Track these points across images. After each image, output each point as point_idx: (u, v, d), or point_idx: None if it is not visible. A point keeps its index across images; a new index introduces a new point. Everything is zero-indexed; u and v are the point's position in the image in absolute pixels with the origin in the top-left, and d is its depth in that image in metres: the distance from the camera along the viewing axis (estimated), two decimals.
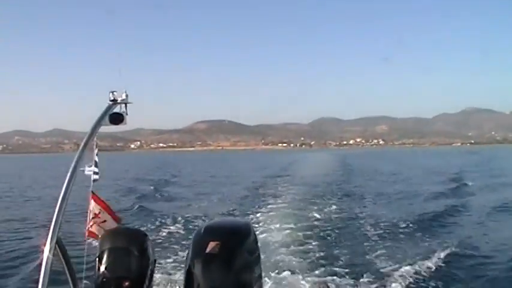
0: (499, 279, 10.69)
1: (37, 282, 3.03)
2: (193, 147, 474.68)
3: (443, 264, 11.28)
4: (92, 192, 4.46)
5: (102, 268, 3.82)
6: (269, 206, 21.40)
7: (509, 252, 12.88)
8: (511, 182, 34.44)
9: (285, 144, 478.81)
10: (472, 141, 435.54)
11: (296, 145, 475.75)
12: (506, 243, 14.17)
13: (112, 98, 3.94)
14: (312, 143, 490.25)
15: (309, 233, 15.33)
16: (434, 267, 10.93)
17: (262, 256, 3.98)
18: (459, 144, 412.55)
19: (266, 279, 8.98)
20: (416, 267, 10.85)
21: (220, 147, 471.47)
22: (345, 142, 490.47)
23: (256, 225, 15.62)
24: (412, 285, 9.64)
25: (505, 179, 36.71)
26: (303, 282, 9.55)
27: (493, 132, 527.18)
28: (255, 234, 3.97)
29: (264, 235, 14.22)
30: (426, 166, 60.68)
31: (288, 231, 15.32)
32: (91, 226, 4.45)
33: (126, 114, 4.00)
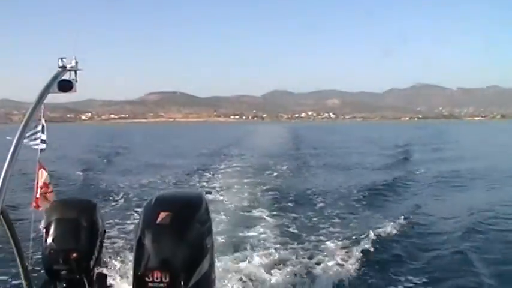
0: (442, 247, 10.97)
1: None
2: (146, 118, 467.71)
3: (390, 235, 11.48)
4: (39, 162, 4.34)
5: (49, 240, 3.74)
6: (221, 178, 21.38)
7: (450, 222, 13.37)
8: (453, 155, 35.51)
9: (237, 117, 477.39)
10: (420, 116, 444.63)
11: (248, 117, 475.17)
12: (448, 212, 14.69)
13: (61, 65, 3.81)
14: (264, 115, 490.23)
15: (260, 203, 15.37)
16: (382, 238, 11.09)
17: (214, 227, 3.98)
18: (408, 118, 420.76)
19: (218, 249, 8.95)
20: (366, 238, 10.94)
21: (173, 119, 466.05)
22: (296, 115, 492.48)
23: (209, 196, 15.50)
24: (362, 257, 9.75)
25: (448, 153, 37.82)
26: (254, 253, 9.58)
27: (440, 108, 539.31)
28: (206, 204, 3.97)
29: (216, 206, 14.10)
30: (374, 139, 61.66)
31: (240, 202, 15.33)
32: (37, 197, 4.34)
33: (76, 81, 3.88)
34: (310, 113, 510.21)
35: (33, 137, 4.08)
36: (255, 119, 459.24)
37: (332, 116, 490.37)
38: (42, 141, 4.27)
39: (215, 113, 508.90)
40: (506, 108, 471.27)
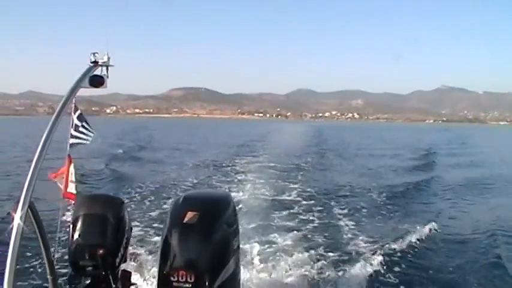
0: (468, 255, 10.79)
1: (7, 249, 2.93)
2: (170, 114, 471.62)
3: (414, 241, 11.27)
4: (69, 154, 4.35)
5: (76, 235, 3.72)
6: (247, 177, 21.35)
7: (476, 229, 13.12)
8: (479, 160, 35.08)
9: (261, 114, 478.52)
10: (445, 119, 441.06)
11: (272, 115, 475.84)
12: (474, 219, 14.48)
13: (93, 60, 3.77)
14: (288, 114, 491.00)
15: (287, 205, 15.34)
16: (406, 244, 10.91)
17: (240, 229, 3.94)
18: (432, 121, 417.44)
19: (244, 251, 8.92)
20: (390, 243, 10.81)
21: (196, 115, 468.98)
22: (320, 114, 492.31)
23: (236, 197, 15.47)
24: (387, 262, 9.64)
25: (474, 158, 37.36)
26: (278, 255, 9.55)
27: (465, 111, 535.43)
28: (234, 206, 3.92)
29: (243, 207, 14.05)
30: (399, 141, 61.24)
31: (264, 203, 15.29)
32: (68, 188, 4.35)
33: (107, 77, 3.85)
34: (334, 112, 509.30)
35: (81, 131, 4.11)
36: (279, 117, 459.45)
37: (356, 116, 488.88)
38: (72, 136, 4.30)
39: (239, 110, 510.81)
40: None
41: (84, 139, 4.51)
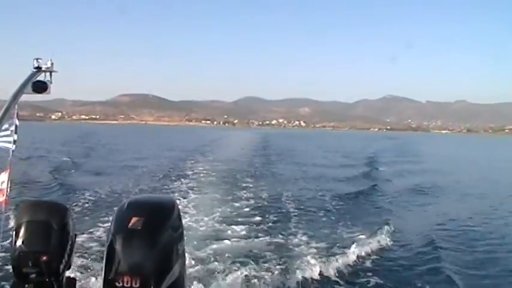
0: (412, 260, 11.13)
1: None
2: (116, 120, 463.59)
3: (361, 248, 11.41)
4: (10, 161, 4.27)
5: (19, 242, 3.68)
6: (192, 183, 21.27)
7: (419, 234, 13.63)
8: (422, 167, 36.10)
9: (208, 122, 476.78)
10: (389, 127, 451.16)
11: (219, 123, 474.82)
12: (417, 223, 15.13)
13: (36, 65, 3.76)
14: (235, 121, 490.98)
15: (232, 210, 15.45)
16: (354, 252, 11.04)
17: (185, 233, 3.98)
18: (377, 129, 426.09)
19: (189, 255, 8.91)
20: (337, 251, 11.02)
21: (144, 122, 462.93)
22: (267, 122, 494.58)
23: (180, 202, 15.42)
24: (336, 270, 9.80)
25: (415, 165, 38.42)
26: (225, 260, 9.59)
27: (409, 120, 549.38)
28: (179, 211, 3.96)
29: (188, 212, 14.11)
30: (344, 149, 62.14)
31: (211, 208, 15.26)
32: (5, 195, 4.27)
33: (51, 82, 3.84)
34: (281, 120, 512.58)
35: (7, 138, 4.02)
36: (226, 124, 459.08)
37: (302, 124, 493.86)
38: (14, 142, 4.23)
39: (186, 117, 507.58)
40: (473, 122, 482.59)
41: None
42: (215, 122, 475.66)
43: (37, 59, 3.80)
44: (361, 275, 9.85)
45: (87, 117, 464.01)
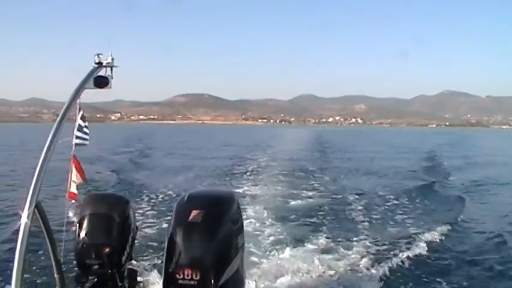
0: (480, 259, 10.65)
1: (15, 248, 2.96)
2: (174, 120, 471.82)
3: (426, 244, 11.14)
4: (74, 155, 4.38)
5: (82, 234, 3.77)
6: (252, 178, 21.45)
7: (486, 230, 13.07)
8: (485, 161, 34.98)
9: (264, 120, 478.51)
10: (447, 123, 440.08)
11: (276, 121, 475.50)
12: (483, 220, 14.40)
13: (97, 61, 3.82)
14: (292, 119, 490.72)
15: (292, 205, 15.37)
16: (417, 248, 10.78)
17: (245, 226, 3.97)
18: (434, 125, 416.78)
19: (248, 249, 8.90)
20: (401, 247, 10.66)
21: (201, 121, 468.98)
22: (323, 120, 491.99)
23: (241, 195, 15.52)
24: (398, 267, 9.55)
25: (479, 159, 37.26)
26: (285, 254, 9.55)
27: (468, 115, 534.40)
28: (238, 204, 3.95)
29: (248, 206, 14.07)
30: (403, 145, 61.04)
31: (271, 202, 15.29)
32: (72, 190, 4.38)
33: (112, 77, 3.89)
34: (337, 117, 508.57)
35: (84, 132, 4.16)
36: (283, 122, 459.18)
37: (359, 121, 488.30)
38: (78, 137, 4.32)
39: (243, 116, 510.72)
40: None
41: (87, 139, 4.54)
42: (271, 121, 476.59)
43: (98, 55, 3.85)
44: (421, 273, 9.59)
45: (145, 118, 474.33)
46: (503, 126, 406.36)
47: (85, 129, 4.51)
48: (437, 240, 11.48)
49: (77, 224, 3.71)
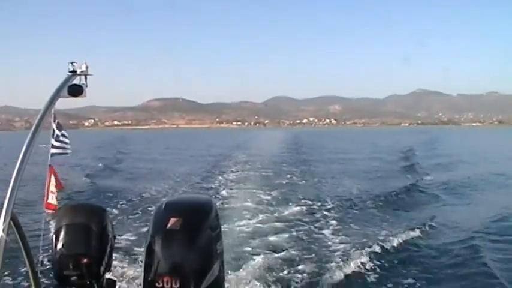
0: (456, 255, 10.89)
1: None
2: (148, 125, 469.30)
3: (404, 243, 11.43)
4: (50, 165, 4.32)
5: (59, 245, 3.71)
6: (229, 183, 21.47)
7: (466, 230, 13.30)
8: (458, 160, 35.51)
9: (239, 123, 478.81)
10: (420, 122, 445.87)
11: (250, 123, 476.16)
12: (462, 221, 14.65)
13: (71, 69, 3.79)
14: (266, 121, 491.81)
15: (269, 207, 15.62)
16: (395, 247, 11.04)
17: (223, 233, 3.97)
18: (407, 124, 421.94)
19: (227, 255, 8.92)
20: (377, 247, 10.91)
21: (175, 126, 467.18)
22: (298, 121, 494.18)
23: (218, 201, 15.59)
24: (374, 266, 9.70)
25: (453, 158, 37.82)
26: (263, 258, 9.59)
27: (440, 114, 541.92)
28: (216, 210, 3.93)
29: (225, 212, 14.18)
30: (378, 145, 61.66)
31: (248, 207, 15.41)
32: (49, 199, 4.32)
33: (86, 86, 3.86)
34: (311, 119, 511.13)
35: (61, 141, 4.10)
36: (257, 125, 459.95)
37: (333, 121, 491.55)
38: (53, 146, 4.28)
39: (217, 119, 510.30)
40: (504, 114, 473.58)
41: (65, 149, 4.49)
42: (246, 123, 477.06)
43: (72, 63, 3.81)
44: (398, 271, 9.73)
45: (119, 123, 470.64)
46: (474, 124, 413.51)
47: (62, 138, 4.47)
48: (410, 240, 11.81)
49: (54, 235, 3.65)
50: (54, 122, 4.28)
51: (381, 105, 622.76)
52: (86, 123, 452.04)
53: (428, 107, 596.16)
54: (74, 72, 3.82)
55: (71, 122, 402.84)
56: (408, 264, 10.19)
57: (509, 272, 9.73)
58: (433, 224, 13.68)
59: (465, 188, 21.79)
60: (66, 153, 4.46)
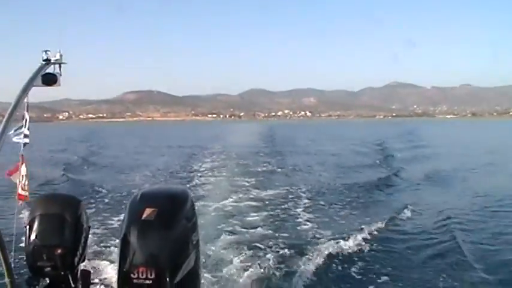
0: (427, 247, 11.05)
1: None
2: (123, 118, 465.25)
3: (381, 235, 11.56)
4: (22, 155, 4.26)
5: (33, 236, 3.67)
6: (204, 173, 21.48)
7: (433, 220, 13.53)
8: (432, 152, 35.93)
9: (214, 116, 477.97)
10: (394, 114, 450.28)
11: (226, 116, 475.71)
12: (430, 210, 14.99)
13: (45, 58, 3.73)
14: (241, 114, 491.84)
15: (244, 199, 15.66)
16: (371, 239, 11.15)
17: (199, 223, 3.97)
18: (382, 116, 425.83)
19: (203, 245, 8.94)
20: (353, 239, 10.97)
21: (151, 118, 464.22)
22: (273, 114, 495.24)
23: (193, 191, 15.55)
24: (347, 258, 9.81)
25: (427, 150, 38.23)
26: (238, 249, 9.63)
27: (414, 106, 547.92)
28: (192, 200, 3.93)
29: (201, 202, 14.16)
30: (352, 137, 62.06)
31: (224, 198, 15.43)
32: (21, 189, 4.26)
33: (60, 75, 3.80)
34: (286, 111, 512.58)
35: (18, 131, 4.02)
36: (232, 117, 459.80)
37: (308, 114, 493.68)
38: (25, 136, 4.23)
39: (193, 112, 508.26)
40: (478, 106, 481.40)
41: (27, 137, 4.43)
42: (221, 116, 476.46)
43: (46, 51, 3.75)
44: (372, 261, 9.86)
45: (94, 116, 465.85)
46: (448, 116, 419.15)
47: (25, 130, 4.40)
48: (382, 230, 11.94)
49: (27, 226, 3.61)
50: (27, 111, 4.23)
51: (356, 98, 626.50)
52: (61, 116, 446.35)
53: (403, 99, 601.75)
54: (48, 60, 3.76)
55: (45, 115, 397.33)
56: (379, 254, 10.34)
57: (485, 260, 9.90)
58: (406, 214, 13.87)
59: (441, 178, 22.04)
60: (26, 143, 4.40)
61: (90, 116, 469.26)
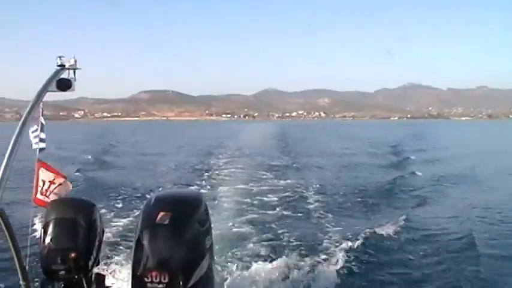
0: (446, 250, 10.89)
1: None
2: (138, 117, 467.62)
3: (394, 236, 11.45)
4: (39, 159, 4.28)
5: (48, 239, 3.69)
6: (218, 176, 21.44)
7: (446, 223, 13.37)
8: (448, 155, 35.57)
9: (228, 116, 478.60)
10: (409, 116, 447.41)
11: (240, 116, 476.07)
12: (444, 213, 14.78)
13: (59, 63, 3.74)
14: (255, 114, 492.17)
15: (260, 203, 15.49)
16: (384, 240, 11.08)
17: (213, 227, 3.96)
18: (397, 118, 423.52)
19: (217, 250, 8.92)
20: (366, 240, 10.91)
21: (165, 118, 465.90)
22: (287, 114, 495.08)
23: (207, 195, 15.55)
24: (359, 259, 9.75)
25: (443, 152, 37.87)
26: (252, 253, 9.61)
27: (430, 108, 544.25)
28: (206, 205, 3.93)
29: (216, 206, 14.10)
30: (365, 138, 61.71)
31: (237, 201, 15.34)
32: (38, 194, 4.29)
33: (75, 80, 3.81)
34: (301, 111, 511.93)
35: (34, 135, 4.05)
36: (247, 117, 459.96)
37: (322, 114, 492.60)
38: (41, 140, 4.25)
39: (207, 112, 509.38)
40: (494, 108, 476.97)
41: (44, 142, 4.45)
42: (236, 116, 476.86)
43: (60, 57, 3.77)
44: (385, 264, 9.79)
45: (109, 115, 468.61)
46: (463, 118, 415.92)
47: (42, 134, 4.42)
48: (398, 235, 11.75)
49: (42, 230, 3.63)
50: (43, 116, 4.24)
51: (371, 99, 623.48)
52: (76, 115, 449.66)
53: (418, 100, 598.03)
54: (62, 66, 3.77)
55: (61, 113, 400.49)
56: (391, 256, 10.29)
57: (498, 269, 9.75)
58: (417, 217, 13.76)
59: (453, 181, 21.79)
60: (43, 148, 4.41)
61: (105, 114, 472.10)
